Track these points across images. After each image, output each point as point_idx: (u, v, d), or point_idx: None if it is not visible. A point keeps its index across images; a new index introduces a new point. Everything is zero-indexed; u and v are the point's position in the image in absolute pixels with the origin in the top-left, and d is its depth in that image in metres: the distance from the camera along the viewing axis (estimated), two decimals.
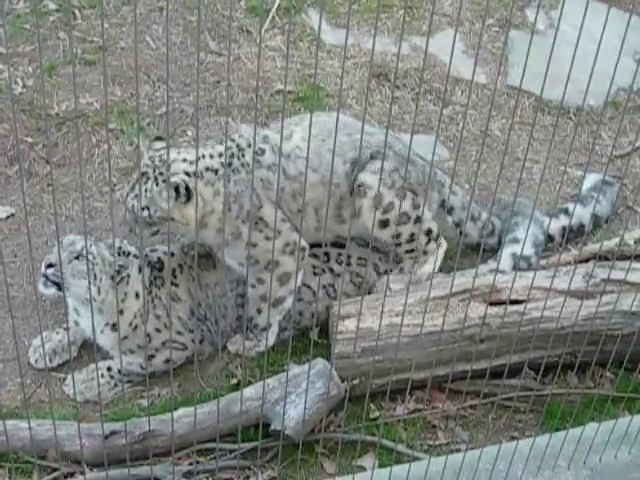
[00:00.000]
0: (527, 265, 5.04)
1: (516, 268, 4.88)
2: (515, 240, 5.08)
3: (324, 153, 4.42)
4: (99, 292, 4.37)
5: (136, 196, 4.25)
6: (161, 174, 4.23)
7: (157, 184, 4.24)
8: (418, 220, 4.64)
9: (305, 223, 4.50)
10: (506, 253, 5.05)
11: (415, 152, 4.73)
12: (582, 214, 5.31)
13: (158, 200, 4.23)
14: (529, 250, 5.06)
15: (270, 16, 6.58)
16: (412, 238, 4.71)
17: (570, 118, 6.22)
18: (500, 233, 5.22)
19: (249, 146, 4.46)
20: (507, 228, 5.14)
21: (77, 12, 6.44)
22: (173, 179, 4.17)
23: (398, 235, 4.67)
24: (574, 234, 5.30)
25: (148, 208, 4.25)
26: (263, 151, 4.45)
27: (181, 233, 4.64)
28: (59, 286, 4.35)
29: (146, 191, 4.25)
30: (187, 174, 4.24)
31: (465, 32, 6.76)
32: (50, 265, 4.33)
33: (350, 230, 4.36)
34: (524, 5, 6.99)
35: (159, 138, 4.54)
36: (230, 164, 4.39)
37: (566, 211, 5.30)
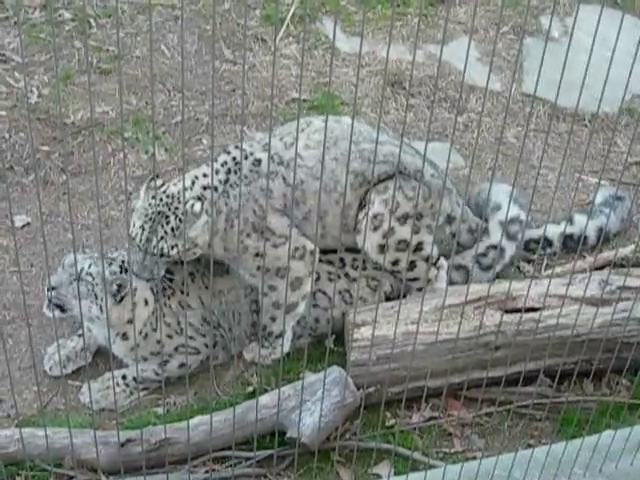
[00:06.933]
0: (519, 224, 4.99)
1: (505, 233, 4.94)
2: (497, 207, 5.02)
3: (327, 161, 4.36)
4: (101, 311, 4.35)
5: (162, 238, 4.17)
6: (177, 208, 4.19)
7: (180, 219, 4.18)
8: (419, 248, 4.61)
9: (311, 230, 4.45)
10: (494, 224, 4.99)
11: (428, 159, 4.57)
12: (587, 225, 5.14)
13: (187, 232, 4.14)
14: (515, 210, 5.00)
15: (285, 25, 6.60)
16: (411, 266, 4.64)
17: (585, 125, 6.20)
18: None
19: (246, 158, 4.41)
20: (485, 200, 5.09)
21: (92, 21, 6.46)
22: (195, 202, 4.17)
23: (396, 262, 4.62)
24: (574, 243, 5.15)
25: (177, 245, 4.20)
26: (259, 161, 4.39)
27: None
28: (62, 308, 4.36)
29: (173, 230, 4.18)
30: (198, 198, 4.22)
31: (480, 40, 6.76)
32: (52, 288, 4.32)
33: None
34: (538, 12, 6.98)
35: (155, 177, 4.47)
36: (227, 180, 4.36)
37: (570, 220, 5.21)
